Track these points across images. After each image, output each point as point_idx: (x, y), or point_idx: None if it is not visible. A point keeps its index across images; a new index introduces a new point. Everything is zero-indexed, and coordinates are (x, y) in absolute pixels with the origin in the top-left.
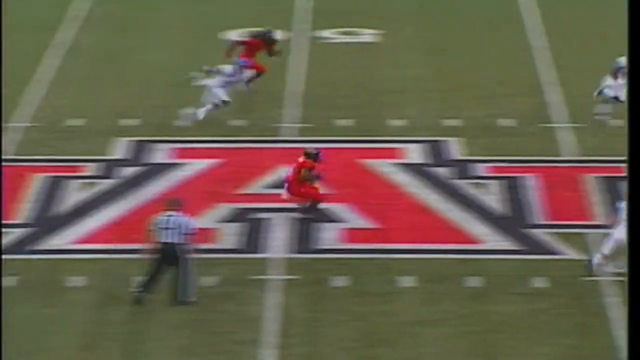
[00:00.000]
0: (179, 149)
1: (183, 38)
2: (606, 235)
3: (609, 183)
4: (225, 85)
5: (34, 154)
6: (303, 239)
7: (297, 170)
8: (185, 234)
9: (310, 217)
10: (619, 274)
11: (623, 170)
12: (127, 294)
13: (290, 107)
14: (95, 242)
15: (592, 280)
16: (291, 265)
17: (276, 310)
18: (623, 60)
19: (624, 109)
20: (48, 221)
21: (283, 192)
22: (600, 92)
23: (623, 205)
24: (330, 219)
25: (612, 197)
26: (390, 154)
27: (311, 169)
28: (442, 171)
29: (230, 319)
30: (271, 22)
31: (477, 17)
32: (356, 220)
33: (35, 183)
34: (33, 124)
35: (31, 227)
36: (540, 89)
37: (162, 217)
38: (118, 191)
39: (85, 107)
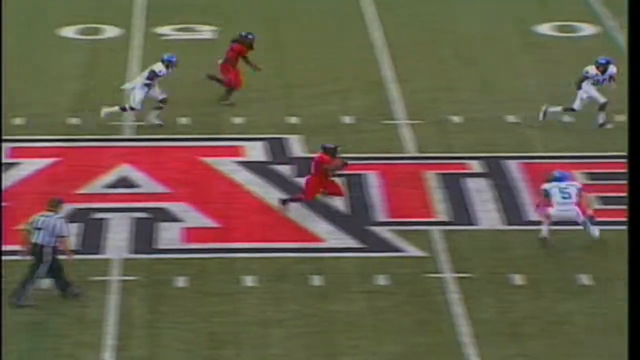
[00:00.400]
0: (12, 148)
1: (17, 33)
2: (446, 231)
3: (450, 179)
4: (151, 85)
5: None
6: (143, 239)
7: (317, 167)
8: (56, 236)
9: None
10: (460, 271)
11: (463, 167)
12: None
13: None
14: None
15: (434, 277)
16: (132, 266)
17: (117, 312)
18: (590, 70)
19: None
20: None
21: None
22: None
23: (551, 187)
24: (170, 218)
25: (453, 194)
26: (231, 152)
27: (329, 163)
28: (283, 169)
29: (70, 321)
30: (107, 18)
31: (316, 13)
32: (197, 219)
33: None
34: None
35: None
36: (380, 86)
37: (36, 217)
38: None
39: None
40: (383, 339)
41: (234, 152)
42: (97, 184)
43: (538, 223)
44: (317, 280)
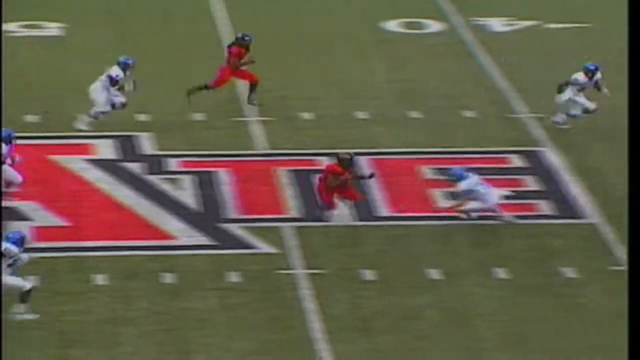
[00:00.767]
0: None
1: None
2: (298, 228)
3: (301, 176)
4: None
5: None
6: None
7: (324, 176)
8: None
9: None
10: (312, 267)
11: (314, 163)
12: None
13: None
14: None
15: (287, 274)
16: None
17: None
18: (578, 76)
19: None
20: None
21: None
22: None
23: (469, 184)
24: (19, 217)
25: (304, 190)
26: (80, 150)
27: (339, 175)
28: (133, 167)
29: None
30: None
31: (165, 10)
32: (46, 218)
33: None
34: None
35: None
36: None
37: None
38: None
39: None
40: (235, 335)
41: (83, 150)
42: None
43: (388, 219)
44: (168, 278)
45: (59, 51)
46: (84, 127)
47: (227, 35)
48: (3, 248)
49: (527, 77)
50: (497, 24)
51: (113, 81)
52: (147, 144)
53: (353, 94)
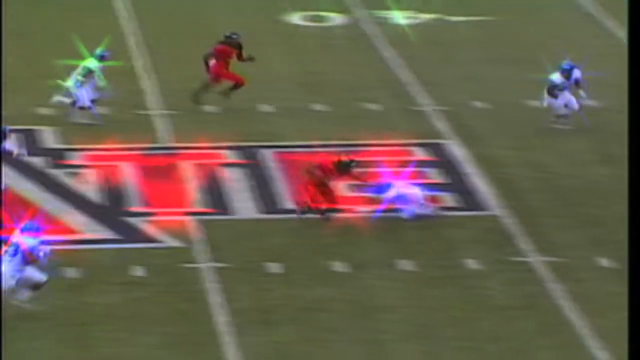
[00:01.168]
0: None
1: None
2: (202, 221)
3: (206, 169)
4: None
5: None
6: None
7: (316, 168)
8: None
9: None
10: (217, 261)
11: (219, 156)
12: None
13: None
14: None
15: (191, 267)
16: None
17: None
18: (555, 78)
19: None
20: None
21: None
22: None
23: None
24: None
25: (209, 184)
26: None
27: (327, 174)
28: (37, 161)
29: None
30: None
31: (66, 2)
32: None
33: None
34: None
35: None
36: (135, 75)
37: None
38: None
39: None
40: (140, 329)
41: None
42: None
43: (292, 212)
44: (72, 273)
45: None
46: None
47: (128, 28)
48: (34, 243)
49: (429, 70)
50: (400, 17)
51: (88, 73)
52: (50, 137)
53: (257, 87)
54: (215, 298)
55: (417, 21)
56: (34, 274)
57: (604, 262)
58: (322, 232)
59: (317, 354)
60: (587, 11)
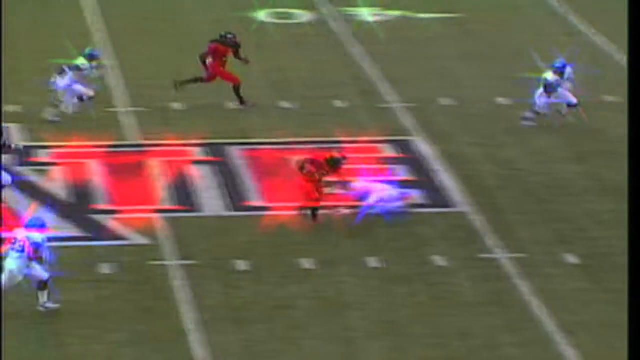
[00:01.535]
0: None
1: None
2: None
3: (173, 167)
4: (79, 81)
5: None
6: None
7: (306, 165)
8: None
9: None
10: (185, 258)
11: (187, 154)
12: None
13: None
14: None
15: (159, 265)
16: None
17: None
18: (548, 76)
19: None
20: None
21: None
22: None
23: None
24: None
25: (177, 181)
26: None
27: (320, 170)
28: (3, 158)
29: None
30: None
31: None
32: None
33: None
34: None
35: None
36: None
37: None
38: None
39: None
40: (108, 327)
41: None
42: None
43: (260, 209)
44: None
45: None
46: (68, 110)
47: (95, 25)
48: (41, 239)
49: (397, 67)
50: (367, 14)
51: (77, 71)
52: (16, 135)
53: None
54: (183, 296)
55: (384, 18)
56: (39, 271)
57: (571, 258)
58: (291, 229)
59: (286, 352)
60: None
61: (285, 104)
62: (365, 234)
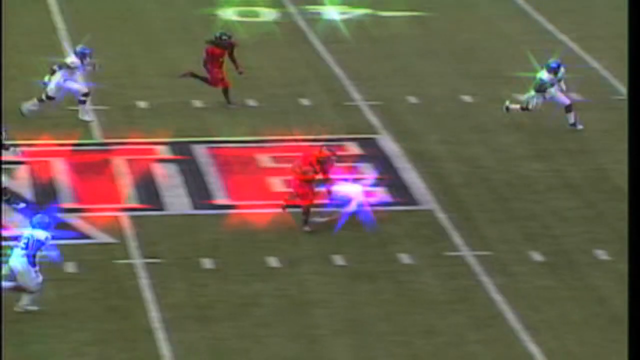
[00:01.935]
0: None
1: None
2: (135, 217)
3: (138, 165)
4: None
5: None
6: None
7: (297, 167)
8: None
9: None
10: (150, 257)
11: (152, 152)
12: None
13: None
14: None
15: (124, 263)
16: None
17: None
18: (543, 75)
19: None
20: None
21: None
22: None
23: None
24: None
25: (141, 179)
26: None
27: (310, 168)
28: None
29: None
30: None
31: None
32: None
33: None
34: None
35: None
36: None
37: None
38: None
39: None
40: (72, 326)
41: None
42: None
43: (225, 207)
44: (3, 269)
45: None
46: (88, 118)
47: (60, 23)
48: (44, 238)
49: (362, 65)
50: (332, 12)
51: (66, 68)
52: None
53: (189, 82)
54: (148, 294)
55: (350, 16)
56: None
57: (536, 256)
58: (257, 227)
59: (252, 349)
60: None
61: (251, 102)
62: (331, 231)
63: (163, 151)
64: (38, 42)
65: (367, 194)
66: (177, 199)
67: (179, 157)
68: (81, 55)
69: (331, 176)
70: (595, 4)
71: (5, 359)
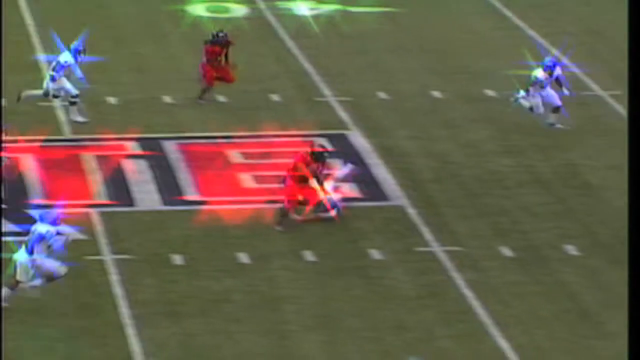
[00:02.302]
0: None
1: None
2: (105, 213)
3: (108, 161)
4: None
5: None
6: None
7: (293, 167)
8: None
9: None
10: (121, 253)
11: (121, 148)
12: None
13: None
14: None
15: (95, 259)
16: None
17: None
18: (538, 74)
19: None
20: None
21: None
22: (515, 100)
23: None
24: None
25: (111, 175)
26: None
27: (308, 164)
28: None
29: None
30: None
31: None
32: None
33: None
34: None
35: None
36: (36, 67)
37: None
38: None
39: None
40: (43, 322)
41: None
42: None
43: (195, 203)
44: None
45: None
46: (80, 119)
47: (28, 19)
48: (45, 231)
49: (332, 61)
50: (302, 8)
51: (60, 67)
52: None
53: (158, 78)
54: (119, 290)
55: (320, 12)
56: (49, 265)
57: (506, 251)
58: (227, 223)
59: (222, 345)
60: None
61: (221, 98)
62: (301, 227)
63: (133, 147)
64: (7, 37)
65: (338, 190)
66: (147, 195)
67: (149, 153)
68: (75, 52)
69: (325, 172)
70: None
71: None
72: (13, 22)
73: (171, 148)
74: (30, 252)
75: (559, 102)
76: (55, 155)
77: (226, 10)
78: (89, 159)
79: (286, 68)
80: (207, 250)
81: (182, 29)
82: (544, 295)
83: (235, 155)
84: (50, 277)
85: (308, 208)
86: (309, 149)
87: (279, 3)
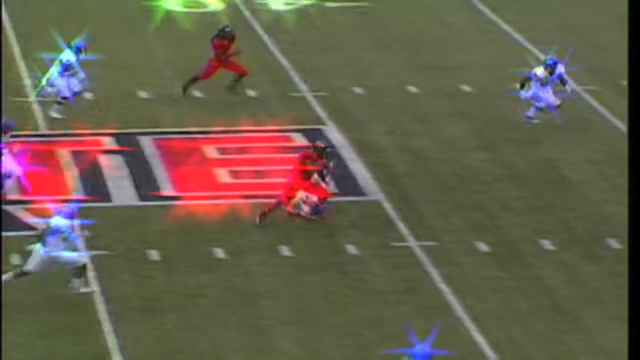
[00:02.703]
0: None
1: None
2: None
3: (83, 157)
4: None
5: None
6: None
7: (300, 162)
8: None
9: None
10: (97, 248)
11: (97, 143)
12: None
13: None
14: None
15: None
16: None
17: None
18: (537, 71)
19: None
20: None
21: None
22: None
23: None
24: None
25: (87, 171)
26: None
27: (314, 161)
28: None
29: None
30: None
31: None
32: None
33: None
34: None
35: None
36: (13, 63)
37: None
38: None
39: None
40: (18, 318)
41: None
42: None
43: (171, 198)
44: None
45: None
46: (57, 115)
47: (4, 15)
48: (54, 224)
49: (308, 56)
50: (277, 3)
51: (65, 67)
52: None
53: (134, 73)
54: (95, 286)
55: (295, 7)
56: (69, 258)
57: (482, 246)
58: (203, 218)
59: (199, 340)
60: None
61: (196, 93)
62: (277, 222)
63: (109, 142)
64: None
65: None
66: (123, 190)
67: (124, 148)
68: (77, 50)
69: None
70: None
71: None
72: None
73: (147, 143)
74: (45, 244)
75: (557, 102)
76: (32, 150)
77: (202, 5)
78: (64, 155)
79: (262, 63)
80: (183, 246)
81: (156, 24)
82: (520, 290)
83: (211, 151)
84: (77, 271)
85: (310, 203)
86: (311, 146)
87: None
